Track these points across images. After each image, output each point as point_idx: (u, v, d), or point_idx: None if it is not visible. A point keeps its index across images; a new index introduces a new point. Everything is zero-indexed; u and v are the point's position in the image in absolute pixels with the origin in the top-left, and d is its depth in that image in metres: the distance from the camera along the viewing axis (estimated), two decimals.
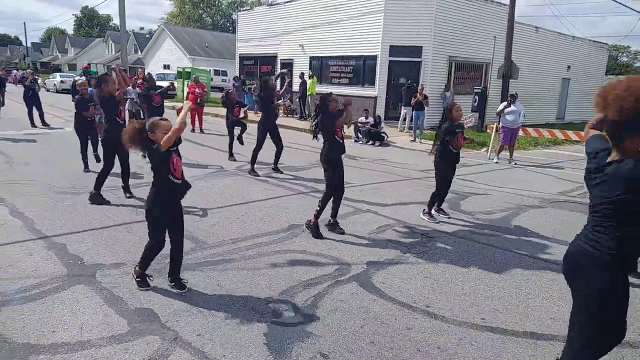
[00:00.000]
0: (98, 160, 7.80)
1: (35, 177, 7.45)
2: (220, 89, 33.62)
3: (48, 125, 13.78)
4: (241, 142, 9.85)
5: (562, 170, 10.62)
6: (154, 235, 3.68)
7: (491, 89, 17.71)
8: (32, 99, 13.94)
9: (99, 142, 7.78)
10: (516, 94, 11.73)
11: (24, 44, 72.42)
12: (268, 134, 8.36)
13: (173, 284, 3.77)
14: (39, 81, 31.80)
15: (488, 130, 13.28)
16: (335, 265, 4.38)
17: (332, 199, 5.33)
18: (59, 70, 50.69)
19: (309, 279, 4.04)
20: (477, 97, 17.02)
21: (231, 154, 9.76)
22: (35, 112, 13.86)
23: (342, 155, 5.32)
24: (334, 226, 5.38)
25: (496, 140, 11.89)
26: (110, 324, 3.20)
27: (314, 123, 5.41)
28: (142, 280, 3.72)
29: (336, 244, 4.98)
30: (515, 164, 11.13)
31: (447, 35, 17.07)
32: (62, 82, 30.97)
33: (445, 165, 5.95)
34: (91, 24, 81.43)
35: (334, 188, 5.23)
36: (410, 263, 4.50)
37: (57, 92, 29.91)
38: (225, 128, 10.11)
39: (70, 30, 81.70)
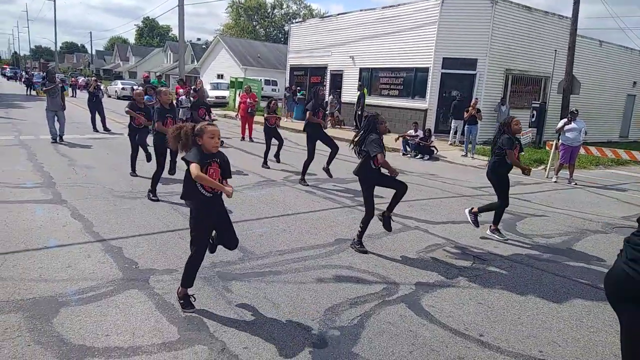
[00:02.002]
0: (148, 159, 8.20)
1: (96, 181, 7.83)
2: (270, 98, 34.37)
3: (109, 131, 14.51)
4: (277, 160, 10.14)
5: (625, 193, 9.97)
6: (192, 245, 3.59)
7: (550, 104, 16.99)
8: (95, 105, 14.77)
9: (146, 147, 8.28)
10: (577, 111, 11.17)
11: (89, 51, 77.23)
12: (317, 142, 8.40)
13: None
14: (102, 87, 33.89)
15: (547, 148, 12.70)
16: (383, 284, 4.28)
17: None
18: (121, 78, 53.51)
19: (355, 297, 3.96)
20: (535, 112, 16.36)
21: (265, 162, 10.06)
22: (98, 118, 14.66)
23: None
24: (387, 220, 5.32)
25: (555, 159, 11.35)
26: (161, 330, 3.26)
27: (356, 140, 5.32)
28: (186, 302, 3.59)
29: (383, 261, 4.88)
30: (576, 184, 10.56)
31: (504, 48, 16.58)
32: (122, 89, 32.64)
33: (501, 175, 5.74)
34: (152, 34, 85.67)
35: (373, 208, 5.12)
36: (462, 287, 4.32)
37: (118, 98, 31.54)
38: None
39: (132, 39, 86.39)
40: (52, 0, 54.16)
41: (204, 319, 3.46)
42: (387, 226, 5.33)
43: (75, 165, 9.13)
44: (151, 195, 6.80)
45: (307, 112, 8.40)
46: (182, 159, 3.46)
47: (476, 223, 5.84)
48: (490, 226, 6.10)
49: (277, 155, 10.43)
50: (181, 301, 3.60)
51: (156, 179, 6.91)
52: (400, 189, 5.21)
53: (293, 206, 6.94)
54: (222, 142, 13.41)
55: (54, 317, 3.36)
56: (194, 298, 3.64)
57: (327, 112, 8.73)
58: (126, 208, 6.30)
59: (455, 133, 15.96)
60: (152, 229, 5.49)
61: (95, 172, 8.54)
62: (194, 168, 3.31)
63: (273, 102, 10.32)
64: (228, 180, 3.68)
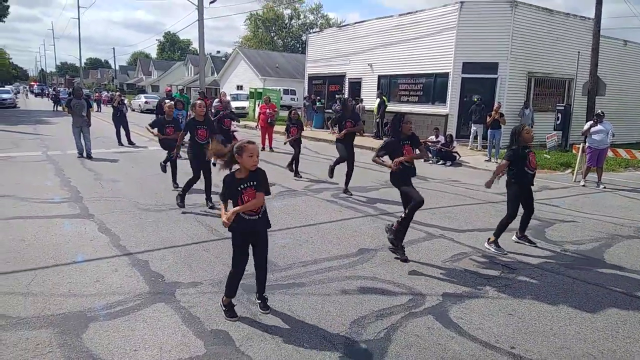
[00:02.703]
0: (164, 170, 8.51)
1: (121, 194, 7.97)
2: (289, 107, 34.62)
3: (134, 144, 14.79)
4: (293, 172, 10.05)
5: None
6: (232, 261, 3.67)
7: (575, 106, 16.60)
8: (119, 119, 15.10)
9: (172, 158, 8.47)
10: (603, 113, 10.87)
11: (112, 67, 79.29)
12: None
13: (260, 302, 3.84)
14: (126, 102, 34.70)
15: (573, 151, 12.40)
16: (409, 295, 4.21)
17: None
18: (143, 91, 54.68)
19: (380, 308, 3.91)
20: (559, 115, 16.03)
21: (294, 171, 10.06)
22: (123, 132, 14.97)
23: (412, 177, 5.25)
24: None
25: (582, 162, 11.07)
26: (187, 345, 3.27)
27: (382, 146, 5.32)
28: (229, 310, 3.70)
29: (408, 272, 4.80)
30: (605, 187, 10.27)
31: (525, 50, 16.33)
32: (146, 102, 33.34)
33: (516, 188, 5.58)
34: (173, 48, 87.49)
35: (418, 195, 5.06)
36: (491, 297, 4.21)
37: (142, 112, 32.21)
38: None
39: (153, 54, 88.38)
40: (76, 19, 55.88)
41: (229, 332, 3.46)
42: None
43: (101, 179, 9.33)
44: (179, 201, 7.01)
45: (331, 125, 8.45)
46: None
47: (500, 249, 5.52)
48: (517, 233, 5.97)
49: (290, 166, 10.25)
50: (224, 308, 3.72)
51: (189, 186, 7.09)
52: (415, 202, 5.10)
53: (315, 216, 6.92)
54: None
55: (83, 332, 3.41)
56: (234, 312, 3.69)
57: (358, 122, 8.60)
58: (151, 221, 6.39)
59: (476, 138, 15.75)
60: (177, 241, 5.54)
61: (120, 186, 8.70)
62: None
63: (293, 112, 10.33)
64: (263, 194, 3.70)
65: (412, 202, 5.03)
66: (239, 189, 3.48)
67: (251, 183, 3.52)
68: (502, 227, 5.56)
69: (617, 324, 3.80)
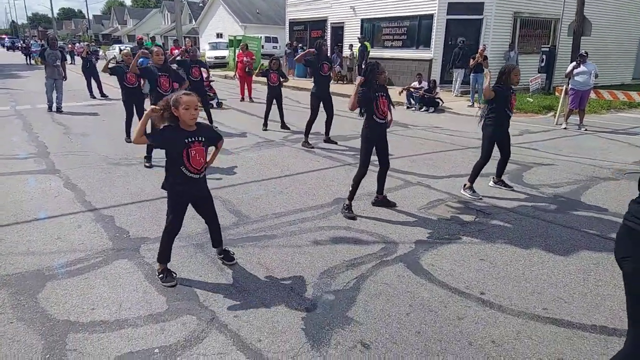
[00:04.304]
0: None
1: (90, 149, 7.67)
2: (271, 56, 33.52)
3: (106, 97, 14.23)
4: (285, 126, 9.61)
5: (637, 137, 9.58)
6: (169, 215, 3.37)
7: (560, 48, 16.23)
8: (90, 71, 14.43)
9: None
10: (586, 53, 10.58)
11: (86, 16, 75.47)
12: (321, 103, 8.03)
13: (222, 256, 3.70)
14: (100, 52, 33.15)
15: (556, 94, 12.22)
16: (381, 243, 4.13)
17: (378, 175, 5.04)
18: (119, 42, 52.45)
19: (352, 258, 3.82)
20: (544, 57, 15.69)
21: (265, 124, 9.60)
22: (94, 84, 14.35)
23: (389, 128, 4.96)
24: (383, 202, 5.09)
25: (565, 104, 10.92)
26: (149, 301, 3.16)
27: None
28: (166, 275, 3.39)
29: (383, 220, 4.71)
30: (586, 129, 10.19)
31: None
32: (120, 52, 31.94)
33: (494, 129, 5.40)
34: None
35: (366, 166, 4.84)
36: (464, 243, 4.15)
37: (117, 63, 30.96)
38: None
39: (128, 1, 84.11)
40: None
41: (194, 288, 3.35)
42: (388, 204, 5.10)
43: (70, 133, 8.96)
44: (145, 162, 6.63)
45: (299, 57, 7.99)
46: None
47: (475, 194, 5.41)
48: (493, 178, 5.88)
49: (283, 124, 9.69)
50: (160, 275, 3.43)
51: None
52: (383, 165, 4.96)
53: (291, 167, 6.74)
54: (220, 103, 13.10)
55: (39, 291, 3.27)
56: (175, 274, 3.46)
57: (333, 66, 8.17)
58: (120, 175, 6.16)
59: (457, 82, 15.42)
60: (145, 196, 5.35)
61: (90, 140, 8.36)
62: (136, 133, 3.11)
63: (274, 60, 9.81)
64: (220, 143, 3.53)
65: (357, 170, 4.86)
66: (186, 141, 3.16)
67: (199, 138, 3.23)
68: (476, 171, 5.45)
69: (589, 266, 3.77)
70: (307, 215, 4.81)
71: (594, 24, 15.92)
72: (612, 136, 9.65)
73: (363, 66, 17.94)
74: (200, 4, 50.72)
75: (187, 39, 20.84)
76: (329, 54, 9.71)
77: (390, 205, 5.05)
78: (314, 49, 7.84)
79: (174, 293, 3.27)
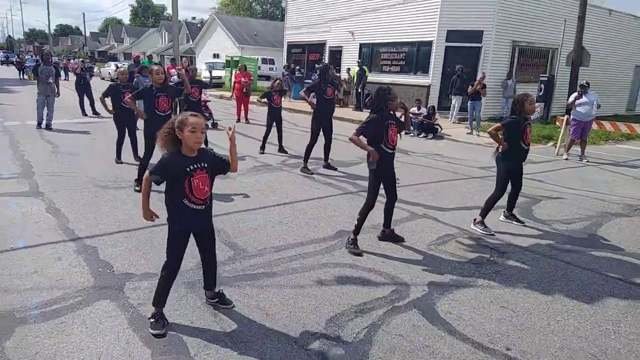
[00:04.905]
0: (139, 160, 7.55)
1: (78, 169, 7.29)
2: (267, 77, 33.52)
3: (99, 114, 13.89)
4: (283, 150, 9.31)
5: (639, 170, 9.41)
6: (168, 255, 3.05)
7: (558, 77, 16.27)
8: (83, 88, 14.13)
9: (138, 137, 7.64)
10: (587, 84, 10.50)
11: (83, 33, 75.69)
12: (322, 127, 7.76)
13: (215, 300, 3.32)
14: (95, 69, 32.91)
15: (557, 123, 12.10)
16: (391, 285, 3.78)
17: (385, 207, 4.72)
18: (115, 59, 52.39)
19: (360, 302, 3.47)
20: (542, 86, 15.68)
21: (262, 147, 9.28)
22: (87, 101, 14.03)
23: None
24: (390, 237, 4.76)
25: (566, 135, 10.77)
26: (132, 355, 2.77)
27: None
28: (157, 321, 2.99)
29: (391, 257, 4.37)
30: (587, 161, 10.01)
31: (510, 18, 15.82)
32: (116, 70, 31.76)
33: (509, 163, 5.15)
34: (146, 14, 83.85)
35: (374, 199, 4.52)
36: (481, 287, 3.81)
37: (112, 80, 30.69)
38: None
39: (126, 20, 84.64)
40: None
41: (184, 336, 2.97)
42: (396, 239, 4.78)
43: (58, 152, 8.58)
44: (135, 186, 6.26)
45: (304, 92, 7.78)
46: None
47: (487, 229, 5.11)
48: (504, 212, 5.59)
49: (281, 148, 9.33)
50: (151, 319, 3.04)
51: (144, 166, 6.34)
52: (390, 197, 4.66)
53: (290, 194, 6.41)
54: (216, 124, 12.81)
55: (7, 338, 2.87)
56: (167, 323, 3.05)
57: (339, 89, 7.94)
58: (107, 200, 5.78)
59: (455, 109, 15.35)
60: (133, 224, 4.97)
61: (79, 160, 7.99)
62: (144, 183, 2.93)
63: (277, 81, 9.61)
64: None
65: (364, 203, 4.53)
66: (188, 169, 2.87)
67: (202, 164, 2.93)
68: (489, 206, 5.15)
69: (617, 317, 3.45)
70: (309, 250, 4.46)
71: (592, 53, 16.01)
72: (614, 168, 9.47)
73: (359, 90, 17.89)
74: (199, 25, 51.11)
75: (184, 59, 20.65)
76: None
77: (398, 240, 4.73)
78: (308, 100, 7.66)
79: (161, 344, 2.88)
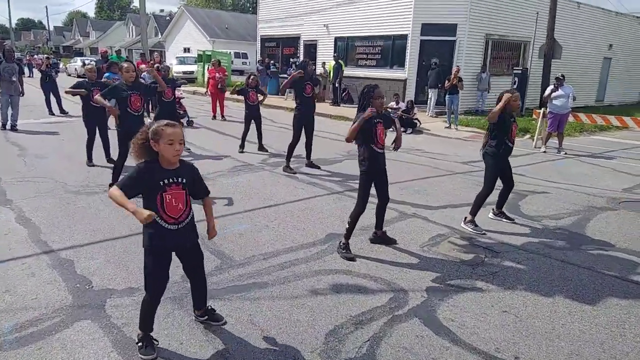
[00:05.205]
0: (112, 162, 7.20)
1: (48, 173, 6.89)
2: (241, 72, 32.96)
3: (66, 113, 13.30)
4: (263, 149, 9.06)
5: (616, 161, 9.59)
6: (146, 277, 2.75)
7: (531, 70, 16.48)
8: (49, 86, 13.49)
9: (110, 137, 7.28)
10: (563, 76, 10.62)
11: (46, 27, 72.87)
12: (303, 125, 7.53)
13: (205, 317, 3.09)
14: (61, 65, 31.66)
15: (534, 116, 12.23)
16: (389, 292, 3.64)
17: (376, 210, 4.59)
18: (81, 54, 50.68)
19: (359, 313, 3.31)
20: (516, 79, 15.85)
21: (242, 145, 9.01)
22: (53, 99, 13.41)
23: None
24: (383, 239, 4.63)
25: (543, 128, 10.88)
26: None
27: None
28: (145, 345, 2.76)
29: (385, 260, 4.23)
30: (565, 153, 10.14)
31: (484, 11, 15.89)
32: (83, 66, 30.63)
33: (496, 160, 5.08)
34: (112, 7, 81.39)
35: (366, 202, 4.35)
36: (481, 290, 3.72)
37: (79, 76, 29.59)
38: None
39: (91, 13, 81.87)
40: None
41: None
42: (389, 241, 4.64)
43: (25, 155, 8.11)
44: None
45: (286, 85, 7.51)
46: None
47: (478, 228, 5.03)
48: (493, 209, 5.54)
49: (261, 146, 9.10)
50: (138, 343, 2.80)
51: (119, 169, 6.03)
52: (382, 199, 4.52)
53: (275, 195, 6.20)
54: (191, 122, 12.43)
55: None
56: (157, 342, 2.85)
57: (318, 86, 7.76)
58: (80, 207, 5.45)
59: (431, 103, 15.41)
60: (110, 233, 4.68)
61: (48, 163, 7.56)
62: (114, 192, 2.54)
63: (252, 77, 9.28)
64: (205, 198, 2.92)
65: (355, 206, 4.35)
66: (161, 183, 2.59)
67: (179, 179, 2.65)
68: (479, 204, 5.08)
69: (621, 318, 3.40)
70: (299, 256, 4.27)
71: (563, 46, 16.29)
72: (592, 160, 9.61)
73: (337, 85, 17.73)
74: (167, 18, 49.83)
75: (155, 53, 20.05)
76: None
77: (390, 242, 4.60)
78: (301, 71, 7.36)
79: None
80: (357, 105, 4.56)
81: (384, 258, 4.27)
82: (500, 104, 4.88)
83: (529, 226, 5.30)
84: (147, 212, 2.42)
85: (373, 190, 4.43)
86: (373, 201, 4.52)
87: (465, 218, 5.14)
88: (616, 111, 17.06)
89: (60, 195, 5.90)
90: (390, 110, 13.16)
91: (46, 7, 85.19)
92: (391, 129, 4.59)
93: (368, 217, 4.67)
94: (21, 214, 5.18)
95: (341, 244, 4.36)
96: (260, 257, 4.24)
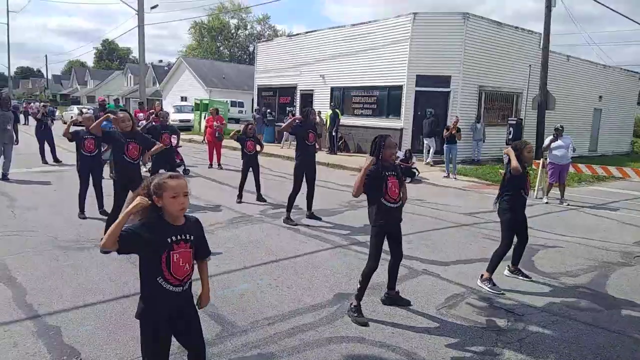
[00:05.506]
0: (104, 214, 6.93)
1: (37, 226, 6.56)
2: (237, 120, 33.28)
3: (60, 162, 13.08)
4: (261, 199, 8.82)
5: (620, 213, 9.44)
6: (143, 355, 2.44)
7: (525, 120, 16.70)
8: (44, 134, 13.34)
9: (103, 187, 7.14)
10: (562, 127, 10.66)
11: (45, 76, 74.05)
12: (305, 175, 7.36)
13: None
14: (57, 113, 31.79)
15: (534, 166, 12.18)
16: None
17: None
18: (78, 102, 51.18)
19: None
20: (512, 129, 16.00)
21: (240, 196, 8.77)
22: (47, 148, 13.22)
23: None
24: (396, 300, 4.32)
25: (543, 179, 10.81)
26: None
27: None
28: None
29: (400, 325, 3.90)
30: (568, 204, 9.99)
31: (476, 64, 16.26)
32: (79, 114, 30.78)
33: (513, 214, 4.88)
34: (111, 57, 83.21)
35: (378, 260, 4.08)
36: None
37: (75, 124, 29.62)
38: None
39: (90, 62, 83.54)
40: (5, 24, 51.33)
41: None
42: (402, 302, 4.35)
43: (15, 207, 7.79)
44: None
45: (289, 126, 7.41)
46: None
47: (496, 288, 4.73)
48: (508, 266, 5.26)
49: (259, 196, 8.86)
50: None
51: (112, 223, 5.70)
52: (395, 256, 4.29)
53: (277, 250, 5.91)
54: (188, 171, 12.25)
55: None
56: None
57: (318, 134, 7.71)
58: (70, 265, 5.10)
59: (429, 152, 15.46)
60: (100, 295, 4.33)
61: (38, 215, 7.24)
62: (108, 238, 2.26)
63: (250, 126, 9.17)
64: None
65: (367, 264, 4.07)
66: (169, 240, 2.35)
67: (187, 236, 2.41)
68: (496, 261, 4.82)
69: None
70: (307, 320, 3.94)
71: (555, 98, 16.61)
72: (596, 212, 9.47)
73: (333, 133, 17.79)
74: (166, 67, 50.87)
75: (157, 102, 20.17)
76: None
77: (404, 304, 4.29)
78: (300, 117, 7.28)
79: None
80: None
81: (400, 322, 3.94)
82: (513, 161, 4.76)
83: (548, 284, 5.02)
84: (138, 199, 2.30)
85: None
86: (384, 257, 4.25)
87: (482, 276, 4.86)
88: (611, 161, 17.18)
89: (49, 250, 5.56)
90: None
91: (45, 55, 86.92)
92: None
93: (377, 274, 4.38)
94: (6, 271, 4.83)
95: (352, 306, 4.04)
96: (264, 321, 3.90)
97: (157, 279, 2.34)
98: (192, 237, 2.43)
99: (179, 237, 2.38)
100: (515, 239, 5.02)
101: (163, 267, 2.33)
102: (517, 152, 4.98)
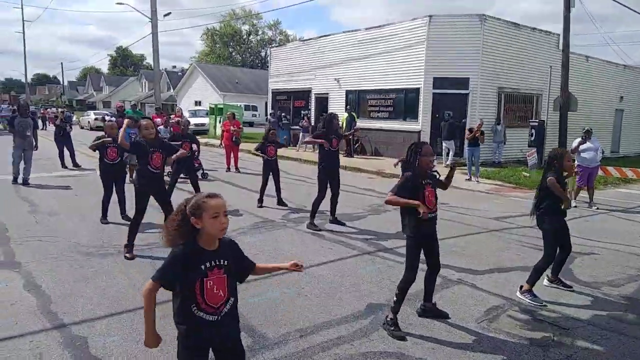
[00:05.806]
0: (127, 219, 6.84)
1: (60, 232, 6.50)
2: (251, 124, 33.31)
3: (79, 167, 13.12)
4: (282, 203, 8.71)
5: None
6: None
7: (547, 121, 16.34)
8: (63, 139, 13.40)
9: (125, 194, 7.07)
10: (591, 130, 10.35)
11: (61, 82, 75.16)
12: (329, 180, 7.20)
13: None
14: (74, 118, 32.13)
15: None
16: None
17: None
18: (93, 108, 51.77)
19: None
20: (533, 131, 15.66)
21: (260, 200, 8.65)
22: (67, 153, 13.27)
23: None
24: (433, 313, 4.12)
25: (571, 181, 10.48)
26: None
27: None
28: None
29: (441, 340, 3.70)
30: (597, 208, 9.67)
31: (495, 65, 15.99)
32: (95, 119, 31.09)
33: (555, 224, 4.65)
34: (125, 63, 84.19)
35: (415, 271, 3.89)
36: None
37: (91, 129, 29.91)
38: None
39: (105, 69, 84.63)
40: (21, 33, 52.18)
41: None
42: (440, 315, 4.14)
43: (37, 212, 7.75)
44: (126, 252, 5.51)
45: (315, 138, 7.30)
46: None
47: (537, 299, 4.49)
48: (548, 276, 5.01)
49: (280, 200, 8.76)
50: None
51: (134, 228, 5.62)
52: (432, 267, 4.11)
53: (302, 256, 5.71)
54: (206, 174, 12.17)
55: None
56: None
57: (342, 138, 7.65)
58: (94, 271, 5.00)
59: (448, 154, 15.19)
60: (127, 303, 4.21)
61: (59, 221, 7.18)
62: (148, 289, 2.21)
63: (272, 131, 9.12)
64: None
65: (404, 275, 3.89)
66: (203, 267, 2.19)
67: (222, 261, 2.25)
68: (538, 273, 4.58)
69: None
70: (341, 333, 3.76)
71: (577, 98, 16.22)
72: (627, 216, 9.15)
73: (351, 137, 17.60)
74: (179, 73, 51.32)
75: (178, 108, 20.24)
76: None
77: (441, 316, 4.09)
78: (324, 140, 7.12)
79: None
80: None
81: (440, 337, 3.74)
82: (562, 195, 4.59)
83: (590, 295, 4.77)
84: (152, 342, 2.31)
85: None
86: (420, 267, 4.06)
87: (522, 287, 4.62)
88: (636, 162, 16.73)
89: (72, 256, 5.47)
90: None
91: (61, 63, 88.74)
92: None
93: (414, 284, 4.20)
94: (30, 279, 4.74)
95: (388, 319, 3.85)
96: (296, 334, 3.73)
97: (192, 307, 2.19)
98: (226, 262, 2.27)
99: (213, 262, 2.23)
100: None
101: (196, 295, 2.18)
102: (556, 159, 4.75)
